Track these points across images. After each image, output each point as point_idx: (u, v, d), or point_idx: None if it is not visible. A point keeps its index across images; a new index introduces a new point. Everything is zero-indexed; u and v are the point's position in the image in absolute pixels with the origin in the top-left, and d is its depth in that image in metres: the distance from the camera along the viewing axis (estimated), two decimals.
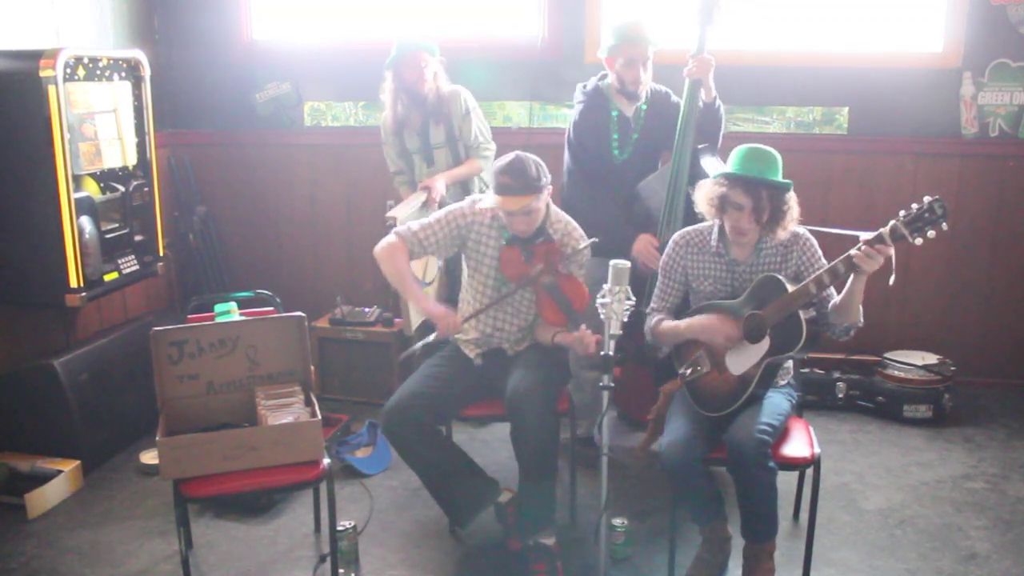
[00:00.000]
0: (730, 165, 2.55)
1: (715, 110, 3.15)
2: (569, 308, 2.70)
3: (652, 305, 2.78)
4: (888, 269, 2.31)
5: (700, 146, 3.17)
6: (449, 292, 3.56)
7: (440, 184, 3.52)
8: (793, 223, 2.55)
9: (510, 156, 2.71)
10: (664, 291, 2.76)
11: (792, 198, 2.53)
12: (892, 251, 2.29)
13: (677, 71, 3.16)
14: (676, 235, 2.74)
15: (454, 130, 3.60)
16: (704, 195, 2.58)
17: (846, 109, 4.09)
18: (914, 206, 2.25)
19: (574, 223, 2.87)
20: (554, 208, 2.87)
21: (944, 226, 2.23)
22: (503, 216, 2.75)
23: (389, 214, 3.32)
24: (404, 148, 3.68)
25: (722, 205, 2.53)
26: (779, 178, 2.51)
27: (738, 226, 2.54)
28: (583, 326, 2.65)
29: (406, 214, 3.31)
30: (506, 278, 2.80)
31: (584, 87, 3.29)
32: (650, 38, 3.11)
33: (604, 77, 3.26)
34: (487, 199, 2.76)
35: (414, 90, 3.51)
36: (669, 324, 2.70)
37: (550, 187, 2.76)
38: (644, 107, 3.24)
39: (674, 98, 3.25)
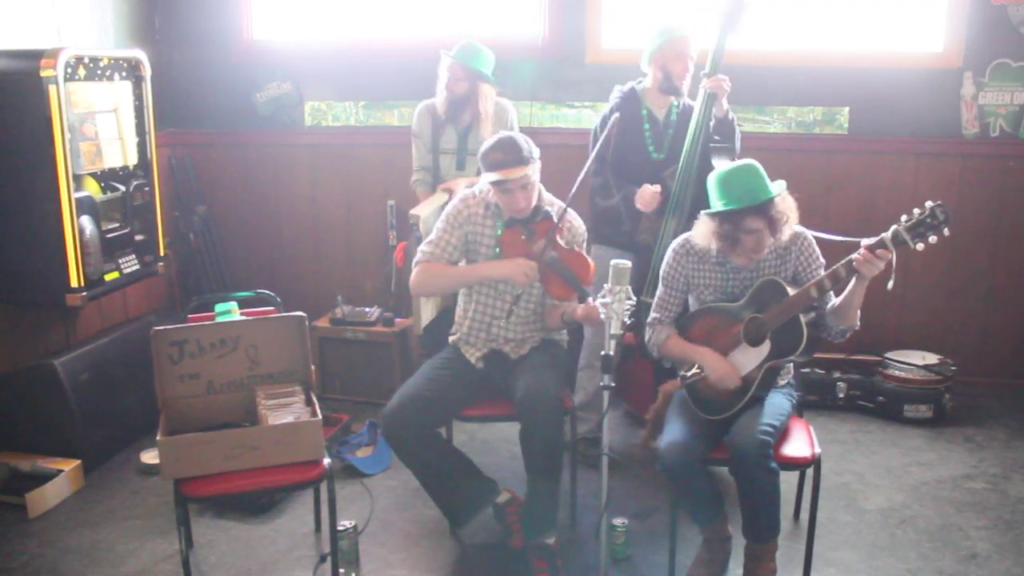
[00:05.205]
0: (717, 198, 2.49)
1: (729, 122, 3.21)
2: (575, 281, 2.70)
3: (654, 314, 2.75)
4: (887, 273, 2.30)
5: (715, 145, 3.19)
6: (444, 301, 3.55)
7: (462, 188, 3.51)
8: (794, 220, 2.53)
9: (495, 137, 2.76)
10: (666, 300, 2.73)
11: (786, 196, 2.50)
12: (893, 256, 2.29)
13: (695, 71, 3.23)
14: (675, 243, 2.70)
15: None
16: (709, 232, 2.51)
17: (847, 109, 4.08)
18: (916, 211, 2.24)
19: (563, 204, 2.86)
20: (544, 191, 2.90)
21: (946, 231, 2.23)
22: (499, 195, 2.75)
23: (413, 211, 3.38)
24: (436, 146, 3.68)
25: (733, 238, 2.47)
26: (770, 185, 2.48)
27: (757, 247, 2.48)
28: (590, 299, 2.61)
29: (428, 212, 3.37)
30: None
31: (622, 88, 3.35)
32: (692, 34, 3.21)
33: (640, 81, 3.32)
34: (480, 183, 2.78)
35: (450, 95, 3.56)
36: (678, 345, 2.66)
37: (539, 162, 2.78)
38: (676, 108, 3.30)
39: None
